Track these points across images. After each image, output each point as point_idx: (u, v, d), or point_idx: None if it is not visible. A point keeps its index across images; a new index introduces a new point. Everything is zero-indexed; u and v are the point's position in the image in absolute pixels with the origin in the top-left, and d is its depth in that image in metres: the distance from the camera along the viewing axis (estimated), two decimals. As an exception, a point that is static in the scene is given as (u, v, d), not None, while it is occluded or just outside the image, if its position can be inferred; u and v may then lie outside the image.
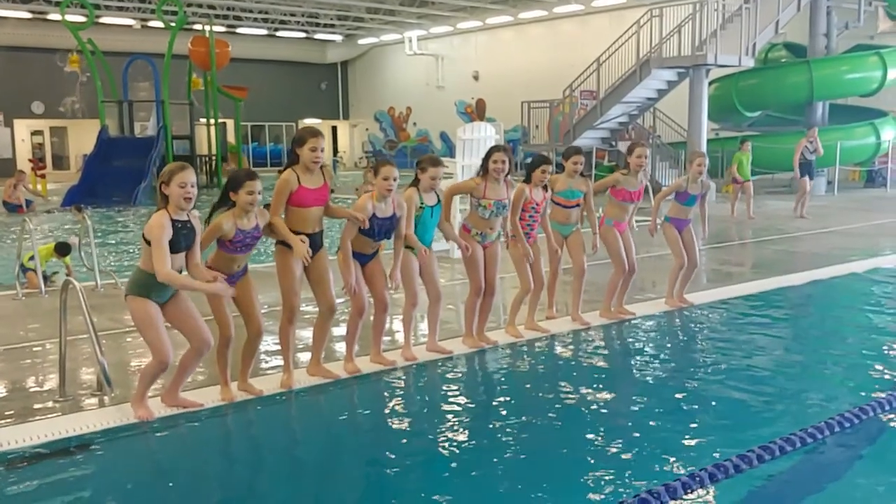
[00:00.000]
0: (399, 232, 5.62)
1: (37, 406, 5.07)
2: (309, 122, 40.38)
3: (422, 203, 5.79)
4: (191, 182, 4.59)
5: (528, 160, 6.71)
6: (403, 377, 5.69)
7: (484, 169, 6.17)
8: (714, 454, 4.15)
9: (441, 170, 5.82)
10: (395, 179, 5.42)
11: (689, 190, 7.34)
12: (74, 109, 26.12)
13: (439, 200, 5.94)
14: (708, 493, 3.76)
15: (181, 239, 4.59)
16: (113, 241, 13.40)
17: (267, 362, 5.94)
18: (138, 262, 4.76)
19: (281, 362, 5.59)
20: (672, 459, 4.15)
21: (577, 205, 6.88)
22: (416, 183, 5.81)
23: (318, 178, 5.24)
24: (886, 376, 5.46)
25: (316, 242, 5.29)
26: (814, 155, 14.81)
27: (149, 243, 4.53)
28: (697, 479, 3.80)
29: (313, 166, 5.18)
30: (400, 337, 6.20)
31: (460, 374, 5.83)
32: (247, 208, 4.91)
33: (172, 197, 4.55)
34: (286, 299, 5.29)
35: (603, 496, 3.75)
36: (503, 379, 5.86)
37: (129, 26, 32.47)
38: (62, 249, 9.28)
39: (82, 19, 24.36)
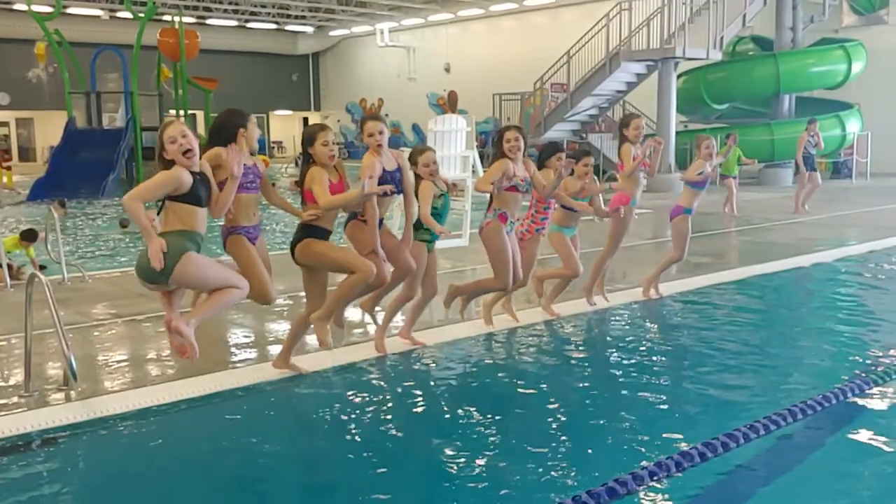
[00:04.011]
0: (407, 191, 5.52)
1: (1, 401, 5.00)
2: (280, 113, 40.27)
3: (440, 190, 5.69)
4: (181, 133, 4.39)
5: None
6: (376, 365, 5.68)
7: (500, 151, 5.98)
8: (681, 442, 4.21)
9: (431, 154, 5.67)
10: (380, 133, 5.31)
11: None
12: (42, 81, 25.67)
13: (447, 190, 5.82)
14: (675, 480, 3.81)
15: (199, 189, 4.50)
16: (80, 235, 13.24)
17: (236, 355, 5.93)
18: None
19: (250, 356, 5.56)
20: (638, 448, 4.19)
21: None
22: (419, 178, 5.68)
23: (335, 175, 5.11)
24: (847, 365, 5.54)
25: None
26: (815, 149, 14.85)
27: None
28: (664, 467, 3.86)
29: (329, 161, 5.04)
30: (370, 325, 6.15)
31: (433, 362, 5.84)
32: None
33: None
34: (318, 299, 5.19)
35: (569, 485, 3.78)
36: (475, 365, 5.85)
37: (98, 17, 32.03)
38: (28, 236, 9.14)
39: (49, 9, 23.95)
